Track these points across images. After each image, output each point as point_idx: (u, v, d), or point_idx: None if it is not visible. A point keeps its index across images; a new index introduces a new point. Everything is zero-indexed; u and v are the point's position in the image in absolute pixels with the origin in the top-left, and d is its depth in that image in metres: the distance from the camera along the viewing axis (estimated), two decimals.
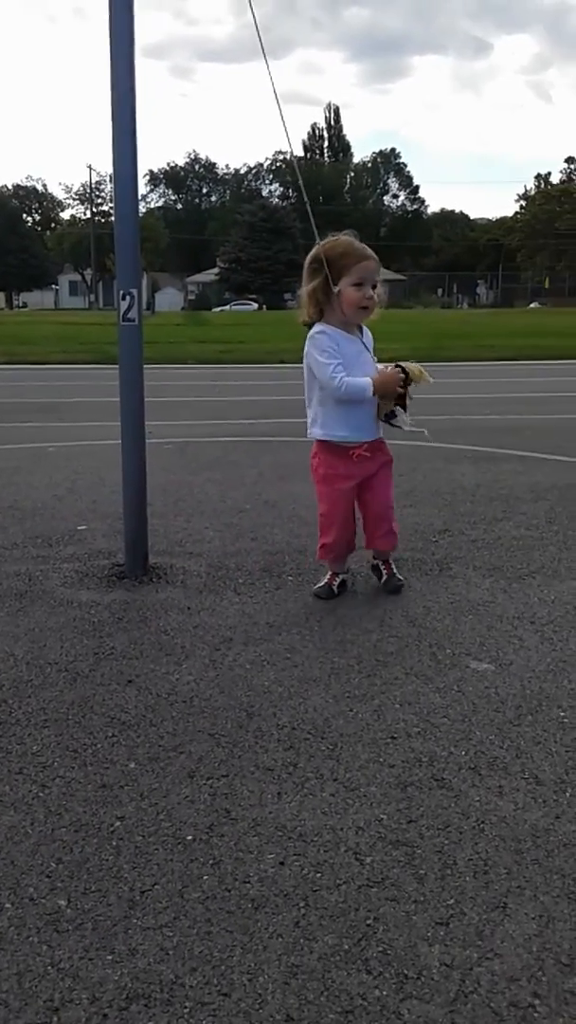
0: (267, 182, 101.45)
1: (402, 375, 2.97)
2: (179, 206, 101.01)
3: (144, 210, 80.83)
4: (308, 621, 2.92)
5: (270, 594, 3.19)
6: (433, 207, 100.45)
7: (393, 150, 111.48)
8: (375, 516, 3.18)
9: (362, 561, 3.46)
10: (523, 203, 79.99)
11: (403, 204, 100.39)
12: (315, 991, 1.36)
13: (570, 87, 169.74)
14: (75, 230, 77.79)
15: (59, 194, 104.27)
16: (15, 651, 2.69)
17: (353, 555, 3.31)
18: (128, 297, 3.18)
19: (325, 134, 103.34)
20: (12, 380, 12.33)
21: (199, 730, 2.19)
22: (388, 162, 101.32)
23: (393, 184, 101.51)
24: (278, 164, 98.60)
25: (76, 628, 2.87)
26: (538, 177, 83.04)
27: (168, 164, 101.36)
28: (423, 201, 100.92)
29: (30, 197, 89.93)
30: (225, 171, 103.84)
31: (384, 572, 3.26)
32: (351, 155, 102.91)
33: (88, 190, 77.86)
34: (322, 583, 3.19)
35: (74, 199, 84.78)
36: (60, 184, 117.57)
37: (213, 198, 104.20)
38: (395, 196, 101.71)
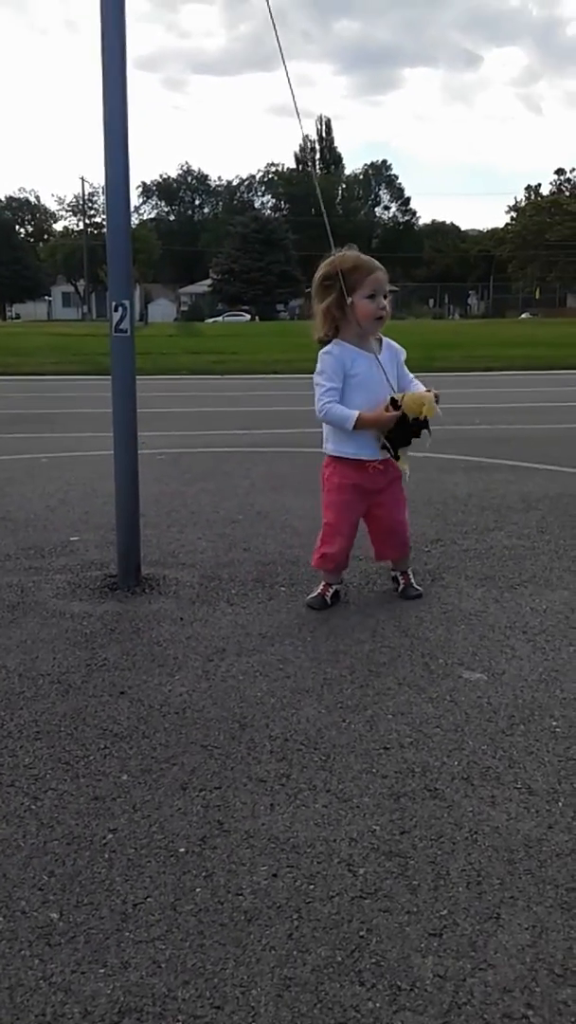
0: (259, 194, 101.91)
1: (397, 413, 2.92)
2: (172, 217, 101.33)
3: (137, 221, 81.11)
4: (301, 632, 2.92)
5: (263, 605, 3.19)
6: (424, 218, 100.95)
7: (384, 162, 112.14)
8: (387, 530, 3.22)
9: (355, 572, 3.47)
10: (514, 214, 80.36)
11: (394, 216, 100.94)
12: (308, 1003, 1.36)
13: (560, 99, 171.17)
14: (68, 241, 77.87)
15: (52, 206, 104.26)
16: (7, 663, 2.68)
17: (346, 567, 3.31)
18: (121, 308, 3.19)
19: (317, 146, 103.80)
20: (4, 391, 12.32)
21: (192, 742, 2.19)
22: (379, 174, 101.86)
23: (384, 196, 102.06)
24: (270, 176, 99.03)
25: (68, 639, 2.87)
26: (528, 189, 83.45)
27: (161, 176, 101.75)
28: (414, 212, 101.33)
29: (23, 209, 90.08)
30: (217, 183, 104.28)
31: (402, 582, 3.30)
32: (342, 167, 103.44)
33: (81, 202, 78.02)
34: (315, 593, 3.20)
35: (67, 211, 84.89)
36: (53, 196, 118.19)
37: (206, 210, 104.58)
38: (386, 208, 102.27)
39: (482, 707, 2.38)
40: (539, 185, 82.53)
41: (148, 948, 1.48)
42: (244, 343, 23.66)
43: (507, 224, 78.41)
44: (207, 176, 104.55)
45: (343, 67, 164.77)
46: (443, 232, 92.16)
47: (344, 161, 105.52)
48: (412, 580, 3.30)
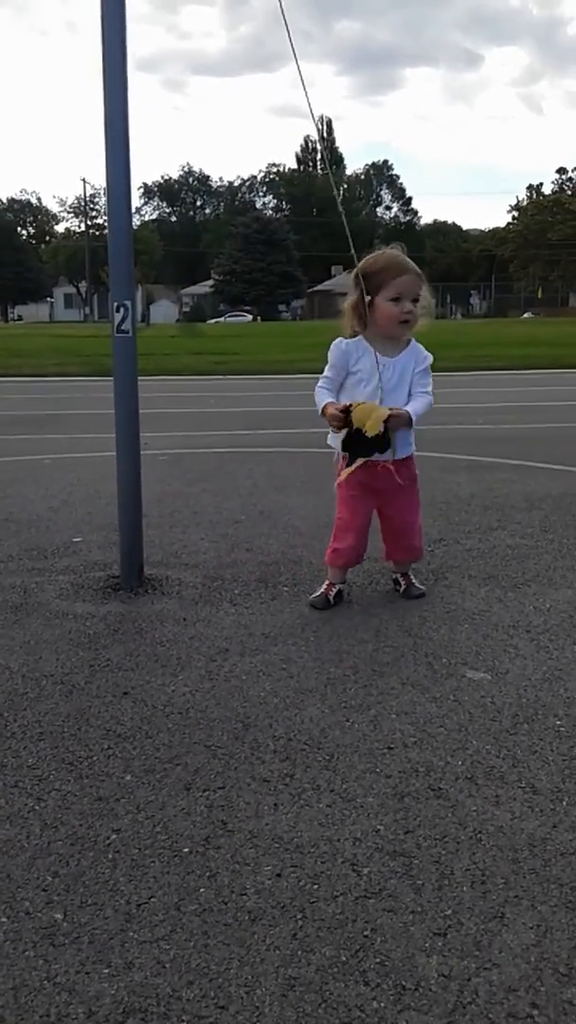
0: (261, 194, 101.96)
1: (339, 413, 2.92)
2: (173, 218, 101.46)
3: (138, 223, 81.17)
4: (304, 632, 2.92)
5: (266, 605, 3.19)
6: (426, 218, 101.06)
7: (386, 162, 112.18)
8: (397, 530, 3.21)
9: (358, 572, 3.46)
10: (515, 214, 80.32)
11: (396, 215, 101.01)
12: (312, 1003, 1.36)
13: (560, 99, 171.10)
14: (70, 243, 77.95)
15: (53, 207, 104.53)
16: (10, 664, 2.68)
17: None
18: (122, 309, 3.19)
19: (318, 146, 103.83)
20: (7, 393, 12.33)
21: (195, 742, 2.19)
22: (381, 174, 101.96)
23: (386, 196, 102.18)
24: (271, 176, 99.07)
25: (71, 640, 2.87)
26: (530, 188, 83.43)
27: (162, 177, 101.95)
28: (416, 212, 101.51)
29: (24, 211, 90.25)
30: (219, 183, 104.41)
31: (403, 583, 3.29)
32: (344, 167, 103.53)
33: (82, 203, 78.12)
34: (318, 593, 3.19)
35: (68, 212, 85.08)
36: (54, 197, 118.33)
37: (207, 210, 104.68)
38: (388, 208, 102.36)
39: (486, 706, 2.37)
40: (541, 184, 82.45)
41: (152, 948, 1.48)
42: (246, 343, 23.66)
43: (509, 223, 78.35)
44: (208, 177, 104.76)
45: (344, 67, 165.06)
46: (445, 232, 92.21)
47: (345, 161, 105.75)
48: (413, 580, 3.30)
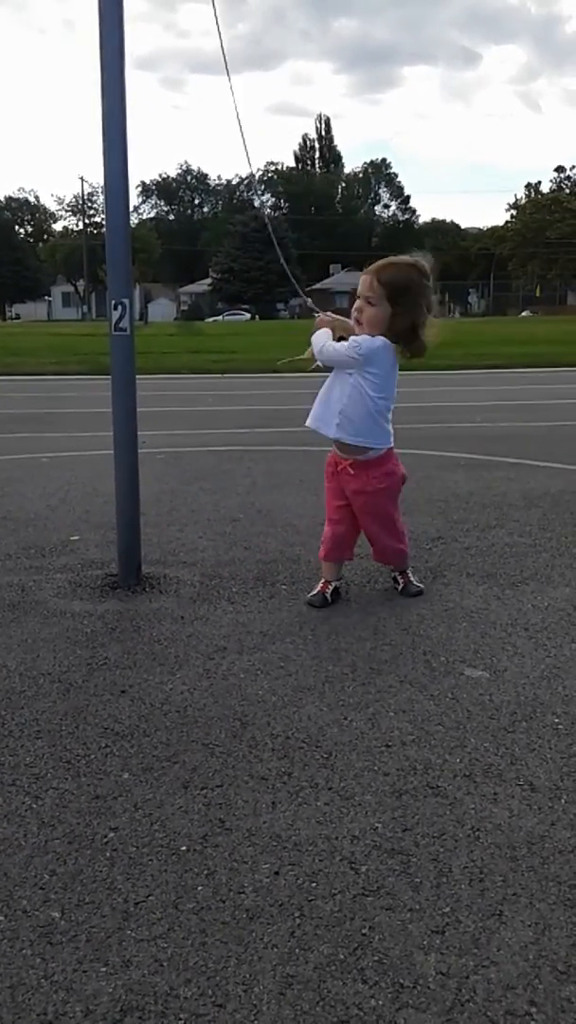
0: (259, 193, 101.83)
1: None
2: (171, 217, 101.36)
3: (136, 221, 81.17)
4: (302, 630, 2.92)
5: (263, 603, 3.18)
6: (424, 217, 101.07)
7: (384, 160, 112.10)
8: (366, 535, 3.23)
9: (356, 570, 3.46)
10: (514, 212, 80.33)
11: (394, 214, 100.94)
12: (310, 1001, 1.36)
13: (559, 97, 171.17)
14: (68, 241, 77.93)
15: (51, 206, 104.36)
16: (8, 662, 2.68)
17: (347, 563, 3.31)
18: (120, 307, 3.18)
19: (316, 145, 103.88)
20: (5, 391, 12.32)
21: (193, 740, 2.18)
22: (379, 172, 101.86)
23: (384, 194, 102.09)
24: (270, 175, 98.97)
25: (69, 638, 2.86)
26: (528, 186, 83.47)
27: (160, 175, 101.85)
28: (414, 211, 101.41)
29: (22, 209, 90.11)
30: (217, 182, 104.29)
31: (401, 581, 3.30)
32: (342, 165, 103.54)
33: (80, 201, 78.06)
34: (315, 591, 3.19)
35: (66, 211, 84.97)
36: (52, 196, 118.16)
37: (205, 209, 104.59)
38: (386, 206, 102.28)
39: (484, 704, 2.37)
40: (539, 183, 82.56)
41: (150, 946, 1.48)
42: (244, 342, 23.64)
43: (507, 222, 78.37)
44: (206, 175, 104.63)
45: (342, 66, 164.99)
46: (443, 230, 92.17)
47: (344, 160, 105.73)
48: (412, 578, 3.30)
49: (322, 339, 3.05)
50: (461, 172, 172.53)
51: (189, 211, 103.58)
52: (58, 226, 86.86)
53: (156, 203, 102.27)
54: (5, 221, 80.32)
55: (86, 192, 77.03)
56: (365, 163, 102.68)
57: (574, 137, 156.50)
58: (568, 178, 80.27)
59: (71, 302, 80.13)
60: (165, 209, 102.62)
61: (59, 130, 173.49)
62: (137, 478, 3.36)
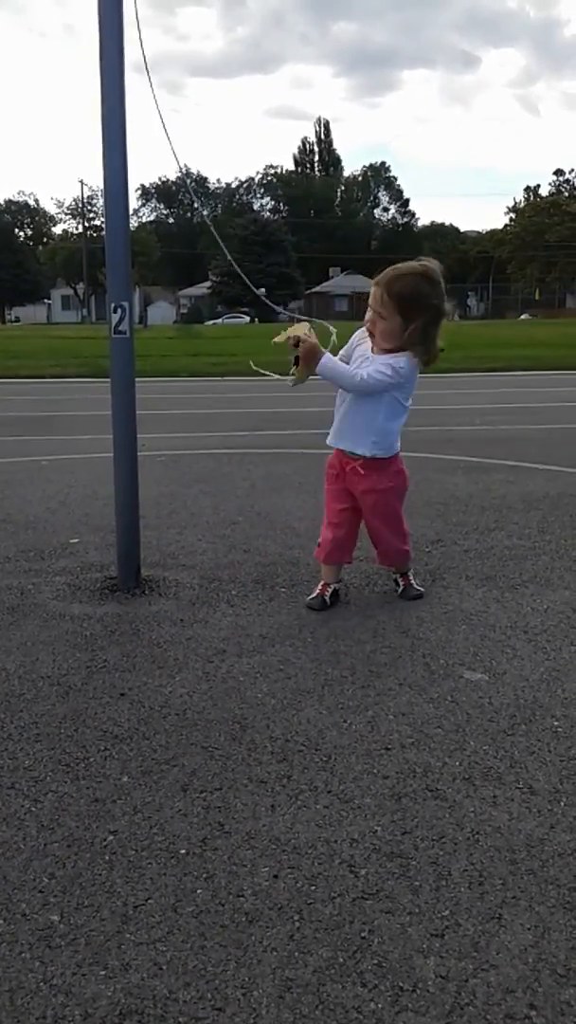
0: (258, 196, 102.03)
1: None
2: (171, 220, 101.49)
3: (136, 224, 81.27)
4: (301, 632, 2.92)
5: (263, 606, 3.18)
6: (423, 220, 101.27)
7: (383, 163, 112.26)
8: (371, 535, 3.23)
9: (355, 572, 3.46)
10: (513, 215, 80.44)
11: (393, 217, 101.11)
12: (310, 1005, 1.35)
13: (558, 100, 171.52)
14: (67, 244, 77.97)
15: (51, 209, 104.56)
16: (7, 665, 2.68)
17: (346, 566, 3.31)
18: (120, 310, 3.18)
19: (316, 148, 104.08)
20: (4, 394, 12.32)
21: (192, 743, 2.18)
22: (378, 175, 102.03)
23: (383, 197, 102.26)
24: (269, 178, 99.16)
25: (68, 641, 2.86)
26: (527, 190, 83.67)
27: (160, 179, 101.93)
28: (413, 214, 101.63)
29: (22, 212, 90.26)
30: (216, 185, 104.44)
31: (402, 583, 3.30)
32: (341, 169, 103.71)
33: (80, 205, 78.13)
34: (314, 594, 3.19)
35: (66, 214, 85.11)
36: (52, 199, 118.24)
37: (205, 212, 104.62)
38: (385, 209, 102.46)
39: (483, 707, 2.37)
40: (538, 186, 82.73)
41: (149, 950, 1.47)
42: (244, 345, 23.65)
43: (506, 225, 78.53)
44: (206, 178, 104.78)
45: (341, 69, 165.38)
46: (442, 233, 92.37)
47: (343, 163, 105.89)
48: (412, 581, 3.30)
49: (340, 369, 2.95)
50: (460, 175, 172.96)
51: (188, 214, 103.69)
52: (58, 229, 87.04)
53: (156, 206, 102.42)
54: (5, 224, 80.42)
55: (86, 195, 77.18)
56: (364, 166, 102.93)
57: (573, 140, 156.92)
58: (567, 181, 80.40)
59: (71, 305, 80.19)
60: (164, 212, 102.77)
61: (59, 133, 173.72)
62: (136, 481, 3.36)
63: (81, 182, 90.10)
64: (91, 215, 76.16)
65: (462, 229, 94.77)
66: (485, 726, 2.26)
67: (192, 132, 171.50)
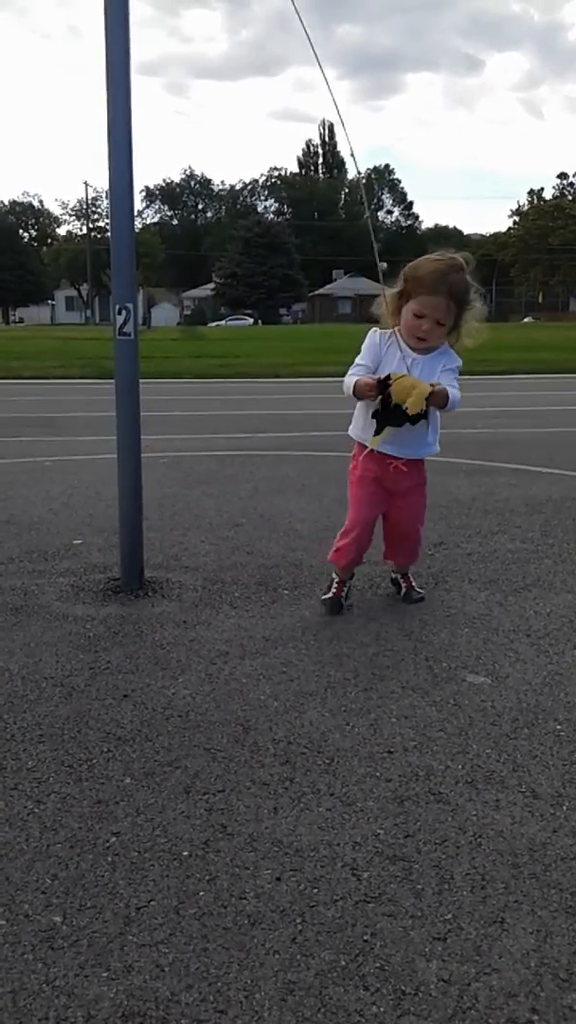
0: (262, 198, 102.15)
1: (375, 383, 2.80)
2: (175, 222, 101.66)
3: (140, 226, 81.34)
4: (304, 635, 2.92)
5: (266, 608, 3.18)
6: (427, 223, 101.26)
7: (387, 166, 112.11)
8: (401, 535, 3.19)
9: (359, 575, 3.46)
10: (516, 218, 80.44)
11: (397, 220, 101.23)
12: (312, 1007, 1.35)
13: (561, 104, 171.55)
14: (71, 246, 78.10)
15: (55, 210, 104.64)
16: (10, 666, 2.68)
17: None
18: (124, 311, 3.19)
19: (320, 150, 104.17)
20: (9, 395, 12.33)
21: (195, 745, 2.18)
22: (382, 178, 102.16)
23: (387, 200, 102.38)
24: (273, 180, 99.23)
25: (71, 642, 2.87)
26: (531, 193, 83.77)
27: (164, 180, 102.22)
28: (417, 217, 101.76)
29: (26, 213, 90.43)
30: (220, 187, 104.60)
31: (404, 585, 3.28)
32: (345, 171, 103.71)
33: (84, 206, 78.24)
34: (330, 594, 3.15)
35: (70, 215, 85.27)
36: (56, 200, 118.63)
37: (209, 214, 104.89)
38: (389, 212, 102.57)
39: (486, 711, 2.37)
40: (542, 189, 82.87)
41: (151, 952, 1.47)
42: (248, 347, 23.67)
43: (510, 228, 78.53)
44: (210, 180, 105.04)
45: (345, 71, 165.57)
46: (446, 236, 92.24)
47: (347, 166, 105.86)
48: (414, 584, 3.29)
49: (455, 396, 2.87)
50: (464, 178, 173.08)
51: (193, 216, 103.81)
52: (62, 230, 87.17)
53: (160, 208, 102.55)
54: (9, 225, 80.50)
55: (90, 196, 77.26)
56: (368, 169, 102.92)
57: None
58: (571, 184, 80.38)
59: (74, 306, 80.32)
60: (169, 214, 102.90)
61: (63, 135, 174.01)
62: (140, 482, 3.36)
63: (85, 183, 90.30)
64: (95, 216, 76.30)
65: (465, 232, 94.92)
66: (488, 729, 2.26)
67: (196, 134, 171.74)
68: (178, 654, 2.76)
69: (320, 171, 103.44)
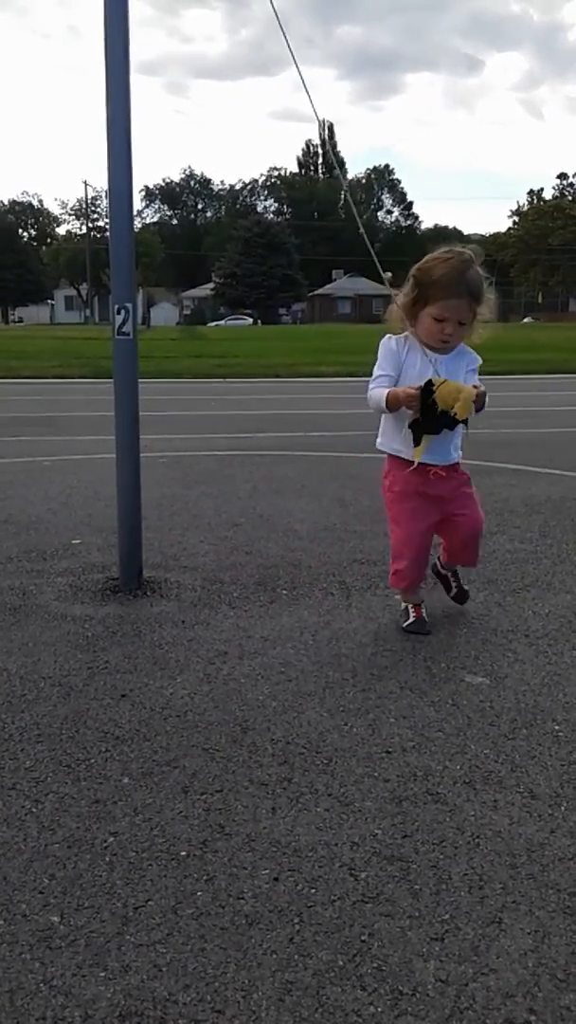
0: (262, 198, 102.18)
1: (417, 392, 2.68)
2: (175, 222, 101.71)
3: (139, 225, 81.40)
4: (302, 635, 2.92)
5: (264, 608, 3.18)
6: (427, 223, 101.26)
7: (387, 166, 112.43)
8: (465, 536, 3.00)
9: (356, 575, 3.46)
10: (516, 219, 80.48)
11: (397, 220, 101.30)
12: (309, 1008, 1.35)
13: (561, 104, 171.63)
14: (71, 245, 78.07)
15: (55, 209, 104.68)
16: (8, 665, 2.68)
17: (348, 567, 3.31)
18: (123, 311, 3.19)
19: (319, 150, 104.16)
20: (8, 394, 12.33)
21: (193, 745, 2.18)
22: (382, 178, 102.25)
23: (387, 200, 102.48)
24: (273, 180, 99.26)
25: (70, 642, 2.86)
26: (531, 193, 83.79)
27: (164, 180, 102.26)
28: (417, 217, 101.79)
29: (26, 212, 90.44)
30: (220, 187, 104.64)
31: (454, 584, 3.19)
32: (345, 171, 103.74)
33: (84, 205, 78.23)
34: (411, 620, 2.98)
35: (70, 214, 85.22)
36: (56, 200, 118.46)
37: (208, 214, 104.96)
38: (389, 212, 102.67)
39: (484, 711, 2.37)
40: (541, 189, 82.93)
41: (149, 952, 1.47)
42: (247, 347, 23.68)
43: (509, 228, 78.58)
44: (210, 180, 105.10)
45: (345, 72, 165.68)
46: (445, 236, 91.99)
47: (347, 165, 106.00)
48: (461, 580, 3.21)
49: (481, 399, 2.74)
50: (464, 178, 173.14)
51: (192, 216, 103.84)
52: (61, 230, 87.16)
53: (159, 207, 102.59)
54: (9, 224, 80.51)
55: (90, 196, 77.25)
56: (368, 169, 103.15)
57: None
58: (571, 185, 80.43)
59: (74, 306, 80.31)
60: (168, 214, 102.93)
61: (63, 135, 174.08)
62: (139, 482, 3.36)
63: (85, 183, 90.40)
64: (95, 216, 76.27)
65: (465, 232, 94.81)
66: (486, 730, 2.26)
67: (196, 134, 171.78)
68: (176, 654, 2.76)
69: (320, 171, 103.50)
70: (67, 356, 18.75)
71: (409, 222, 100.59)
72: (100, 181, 79.81)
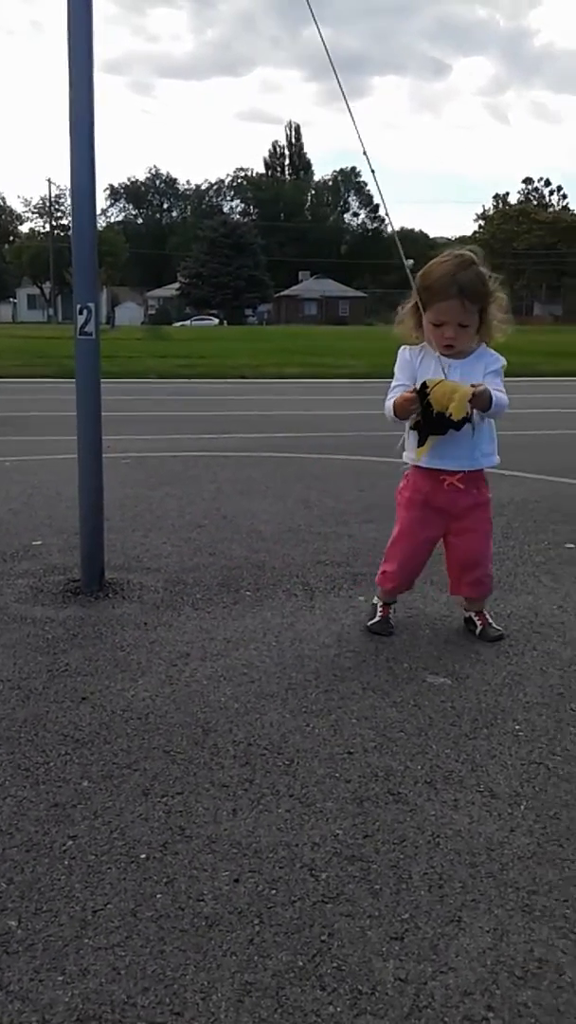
0: (228, 198, 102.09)
1: (411, 395, 2.66)
2: (140, 221, 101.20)
3: (104, 224, 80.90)
4: (266, 636, 2.92)
5: (227, 609, 3.18)
6: (393, 225, 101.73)
7: (353, 168, 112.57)
8: (463, 562, 2.91)
9: (320, 576, 3.46)
10: (482, 223, 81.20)
11: (363, 222, 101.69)
12: (268, 1008, 1.35)
13: (527, 109, 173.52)
14: (34, 243, 77.29)
15: (18, 207, 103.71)
16: None
17: (310, 568, 3.31)
18: (85, 311, 3.16)
19: (286, 152, 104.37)
20: None
21: (154, 747, 2.17)
22: (348, 180, 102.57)
23: (353, 202, 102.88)
24: (239, 181, 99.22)
25: (30, 644, 2.84)
26: (496, 197, 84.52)
27: (129, 179, 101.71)
28: (383, 220, 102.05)
29: None
30: (186, 187, 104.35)
31: (479, 623, 2.97)
32: (312, 173, 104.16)
33: (47, 203, 77.54)
34: (376, 619, 2.98)
35: (33, 212, 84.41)
36: (19, 197, 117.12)
37: (174, 213, 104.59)
38: (355, 214, 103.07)
39: (446, 711, 2.39)
40: (507, 194, 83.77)
41: (107, 955, 1.46)
42: (212, 347, 23.62)
43: (475, 232, 79.18)
44: (176, 180, 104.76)
45: (312, 73, 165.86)
46: (412, 239, 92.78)
47: (313, 167, 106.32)
48: (490, 620, 2.97)
49: (501, 400, 2.70)
50: (430, 182, 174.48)
51: (158, 215, 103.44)
52: (25, 228, 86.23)
53: (124, 207, 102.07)
54: None
55: (53, 194, 76.59)
56: (335, 171, 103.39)
57: (542, 149, 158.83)
58: (536, 190, 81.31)
59: (37, 304, 79.56)
60: (133, 213, 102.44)
61: (26, 132, 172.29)
62: (101, 483, 3.34)
63: (49, 181, 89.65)
64: (58, 214, 75.61)
65: (431, 235, 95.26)
66: (447, 730, 2.28)
67: (162, 133, 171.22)
68: (138, 656, 2.75)
69: (286, 172, 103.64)
70: (29, 355, 18.57)
71: (375, 224, 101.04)
72: (64, 179, 79.24)
